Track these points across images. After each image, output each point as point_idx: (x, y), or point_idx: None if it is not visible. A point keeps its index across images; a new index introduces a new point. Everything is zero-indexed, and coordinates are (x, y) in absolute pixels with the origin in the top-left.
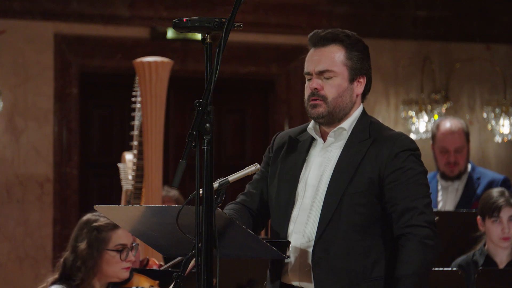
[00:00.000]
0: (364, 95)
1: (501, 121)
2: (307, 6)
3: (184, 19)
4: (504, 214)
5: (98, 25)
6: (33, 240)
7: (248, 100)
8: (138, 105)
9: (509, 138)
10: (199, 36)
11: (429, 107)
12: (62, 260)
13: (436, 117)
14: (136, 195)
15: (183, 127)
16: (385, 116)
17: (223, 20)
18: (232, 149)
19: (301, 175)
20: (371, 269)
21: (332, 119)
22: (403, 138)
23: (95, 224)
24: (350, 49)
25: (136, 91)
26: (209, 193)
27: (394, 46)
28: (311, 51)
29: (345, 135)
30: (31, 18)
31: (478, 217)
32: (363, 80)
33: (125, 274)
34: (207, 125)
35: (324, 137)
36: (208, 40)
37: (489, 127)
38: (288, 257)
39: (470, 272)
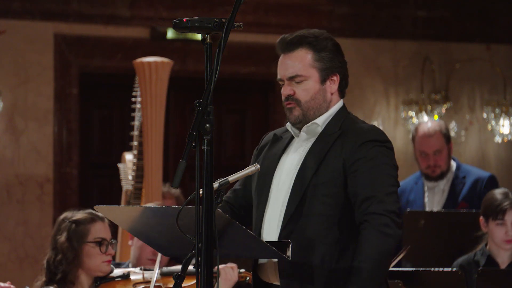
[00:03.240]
0: (342, 91)
1: (501, 121)
2: (307, 6)
3: (184, 19)
4: (509, 217)
5: (98, 25)
6: (33, 240)
7: (248, 100)
8: (138, 105)
9: (509, 138)
10: (199, 36)
11: (429, 107)
12: (45, 260)
13: (436, 117)
14: (136, 195)
15: (183, 127)
16: (385, 116)
17: (223, 20)
18: (232, 149)
19: (275, 171)
20: (338, 260)
21: (308, 121)
22: (372, 129)
23: (73, 218)
24: (319, 50)
25: (136, 91)
26: (209, 193)
27: (394, 46)
28: (281, 57)
29: (319, 130)
30: (31, 18)
31: (481, 218)
32: (336, 78)
33: (107, 268)
34: (207, 125)
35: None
36: (208, 40)
37: (489, 127)
38: (289, 257)
39: (471, 272)
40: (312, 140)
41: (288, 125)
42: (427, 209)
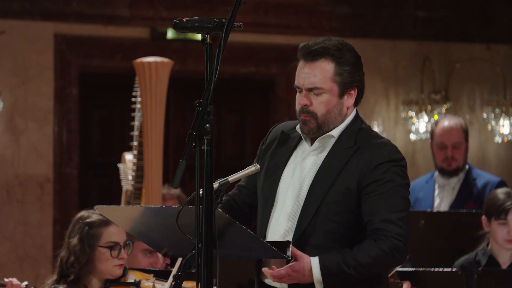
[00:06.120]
0: (356, 103)
1: (501, 121)
2: (307, 6)
3: (184, 19)
4: (511, 216)
5: (98, 25)
6: (33, 240)
7: (248, 100)
8: (138, 105)
9: (509, 138)
10: (199, 36)
11: (429, 107)
12: (59, 259)
13: (436, 117)
14: (136, 195)
15: (183, 127)
16: (385, 116)
17: (223, 20)
18: (232, 150)
19: (283, 174)
20: None
21: (322, 132)
22: (388, 148)
23: (87, 220)
24: (341, 64)
25: (136, 91)
26: (209, 193)
27: (394, 46)
28: (301, 63)
29: (332, 142)
30: (31, 18)
31: (483, 217)
32: (354, 92)
33: (118, 272)
34: (207, 125)
35: (312, 140)
36: (208, 40)
37: (489, 127)
38: (289, 257)
39: (472, 272)
40: (326, 151)
41: (299, 128)
42: (435, 206)
